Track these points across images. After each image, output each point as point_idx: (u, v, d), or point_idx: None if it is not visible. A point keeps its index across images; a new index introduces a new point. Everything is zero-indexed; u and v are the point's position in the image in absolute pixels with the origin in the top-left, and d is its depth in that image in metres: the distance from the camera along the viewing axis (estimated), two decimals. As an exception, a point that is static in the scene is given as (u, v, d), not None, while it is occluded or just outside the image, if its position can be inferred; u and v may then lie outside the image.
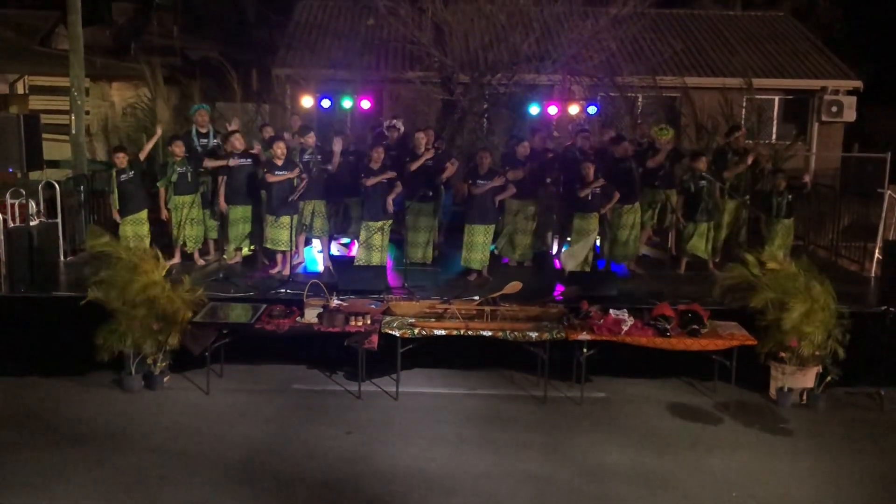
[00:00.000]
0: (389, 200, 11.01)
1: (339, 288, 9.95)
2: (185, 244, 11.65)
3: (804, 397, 9.32)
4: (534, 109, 13.55)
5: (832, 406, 9.29)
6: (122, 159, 11.20)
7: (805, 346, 9.10)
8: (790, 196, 11.52)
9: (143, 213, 11.33)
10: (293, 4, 21.80)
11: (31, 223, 10.55)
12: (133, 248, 9.70)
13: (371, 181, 10.91)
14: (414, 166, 11.62)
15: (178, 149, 11.37)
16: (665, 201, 12.05)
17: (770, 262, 9.53)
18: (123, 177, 11.17)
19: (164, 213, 11.50)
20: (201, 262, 11.75)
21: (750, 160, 12.14)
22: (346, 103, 13.46)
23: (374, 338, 8.92)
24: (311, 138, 11.57)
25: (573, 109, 13.90)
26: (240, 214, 11.53)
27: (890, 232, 12.13)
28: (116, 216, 11.17)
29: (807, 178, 11.96)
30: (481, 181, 11.25)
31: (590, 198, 11.29)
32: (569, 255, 11.45)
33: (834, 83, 20.04)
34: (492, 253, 11.70)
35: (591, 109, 14.25)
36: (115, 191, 11.13)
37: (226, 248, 11.79)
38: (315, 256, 12.17)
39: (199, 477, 7.36)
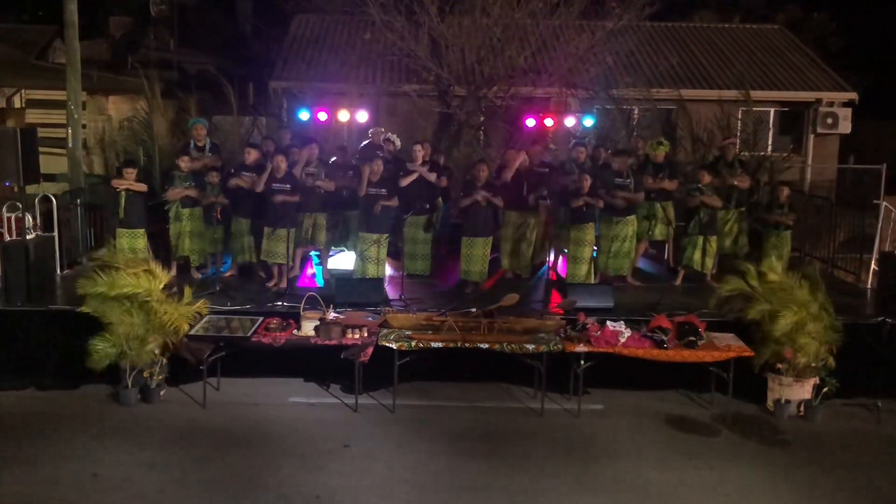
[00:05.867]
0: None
1: (336, 300, 9.95)
2: (185, 258, 11.64)
3: (801, 409, 9.32)
4: (530, 122, 13.60)
5: (829, 418, 9.28)
6: (130, 174, 11.25)
7: (801, 357, 9.12)
8: (790, 208, 11.56)
9: (141, 230, 11.34)
10: (289, 18, 21.84)
11: (28, 237, 10.56)
12: (131, 260, 9.68)
13: (364, 191, 10.97)
14: (405, 182, 11.62)
15: (184, 163, 11.47)
16: (661, 213, 12.09)
17: (771, 274, 9.55)
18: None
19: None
20: (198, 275, 11.74)
21: (738, 183, 12.25)
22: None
23: (369, 350, 8.91)
24: (313, 150, 11.60)
25: (569, 122, 13.95)
26: (244, 227, 11.57)
27: (886, 243, 12.15)
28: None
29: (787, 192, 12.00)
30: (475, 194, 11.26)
31: (584, 209, 11.32)
32: (572, 270, 11.47)
33: (829, 95, 20.11)
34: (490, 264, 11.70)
35: (589, 122, 14.32)
36: (123, 199, 11.18)
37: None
38: (313, 269, 12.17)
39: (196, 491, 7.34)
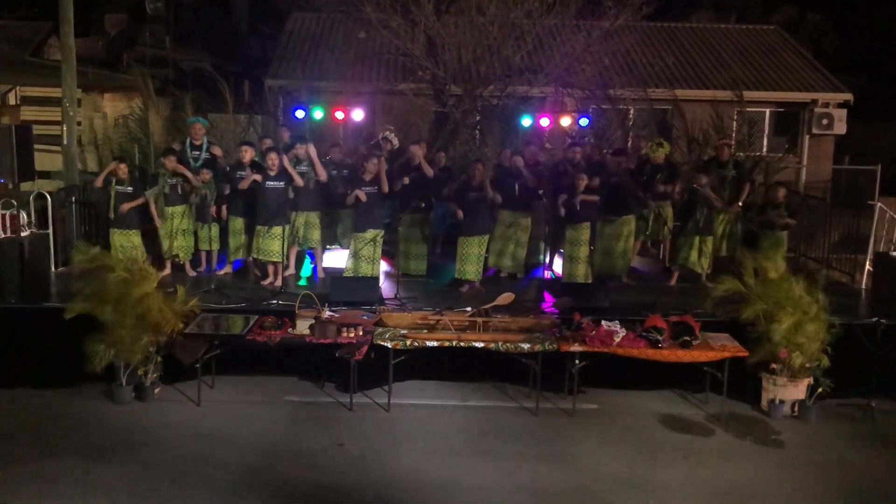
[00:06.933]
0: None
1: (331, 299, 9.94)
2: (176, 255, 11.63)
3: (796, 409, 9.34)
4: (525, 121, 13.62)
5: (824, 418, 9.29)
6: (123, 170, 11.24)
7: (796, 357, 9.12)
8: (786, 209, 11.58)
9: (134, 230, 11.31)
10: (285, 16, 21.82)
11: (23, 234, 10.52)
12: (125, 260, 9.66)
13: (351, 199, 10.95)
14: (406, 179, 11.60)
15: (170, 162, 11.40)
16: (658, 213, 12.11)
17: (772, 272, 9.53)
18: (119, 188, 11.21)
19: (159, 222, 11.49)
20: (192, 273, 11.72)
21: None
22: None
23: (363, 349, 8.90)
24: (306, 148, 11.59)
25: (565, 121, 13.96)
26: (241, 225, 11.54)
27: (880, 244, 12.17)
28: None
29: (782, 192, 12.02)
30: (473, 193, 11.26)
31: (579, 208, 11.32)
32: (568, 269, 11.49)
33: (824, 96, 20.16)
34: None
35: (583, 122, 14.34)
36: (112, 198, 11.19)
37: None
38: (308, 267, 12.16)
39: (191, 489, 7.33)
